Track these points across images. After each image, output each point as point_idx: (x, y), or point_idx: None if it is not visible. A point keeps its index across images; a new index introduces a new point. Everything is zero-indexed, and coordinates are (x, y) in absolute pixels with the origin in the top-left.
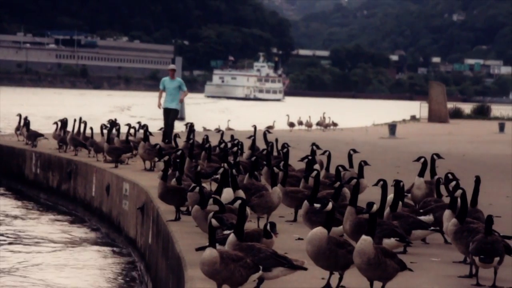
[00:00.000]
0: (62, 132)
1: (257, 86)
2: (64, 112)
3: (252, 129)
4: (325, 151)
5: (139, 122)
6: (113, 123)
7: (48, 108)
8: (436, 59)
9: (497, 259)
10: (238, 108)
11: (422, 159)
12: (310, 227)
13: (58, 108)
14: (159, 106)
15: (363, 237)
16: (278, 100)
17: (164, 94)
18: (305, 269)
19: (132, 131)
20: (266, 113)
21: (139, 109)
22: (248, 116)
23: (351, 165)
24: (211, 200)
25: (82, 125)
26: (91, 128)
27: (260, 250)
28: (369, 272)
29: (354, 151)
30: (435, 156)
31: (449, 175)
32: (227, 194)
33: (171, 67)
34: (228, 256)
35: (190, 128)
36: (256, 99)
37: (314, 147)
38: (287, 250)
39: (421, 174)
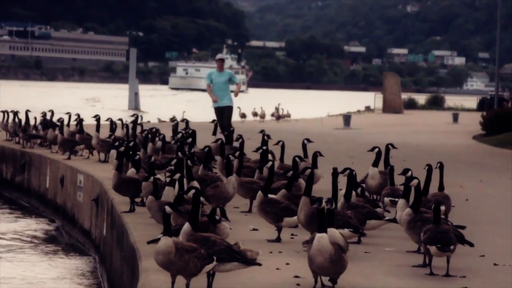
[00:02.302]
0: (13, 123)
1: None
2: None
3: (207, 121)
4: (278, 141)
5: (133, 115)
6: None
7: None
8: (390, 50)
9: (452, 247)
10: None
11: (376, 149)
12: (264, 218)
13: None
14: (215, 100)
15: (319, 235)
16: (242, 91)
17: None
18: (259, 264)
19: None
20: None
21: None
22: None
23: (305, 155)
24: (165, 191)
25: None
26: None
27: (215, 243)
28: (330, 269)
29: (308, 140)
30: (389, 146)
31: (390, 146)
32: (169, 192)
33: (219, 57)
34: (183, 247)
35: (135, 120)
36: None
37: (266, 136)
38: (242, 240)
39: (375, 164)
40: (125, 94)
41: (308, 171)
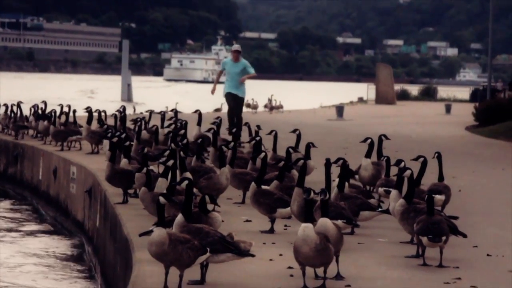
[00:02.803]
0: (4, 115)
1: (215, 69)
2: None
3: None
4: (271, 131)
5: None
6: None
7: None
8: (386, 41)
9: (443, 238)
10: (197, 91)
11: (369, 140)
12: (258, 209)
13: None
14: (212, 91)
15: (304, 224)
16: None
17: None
18: (253, 255)
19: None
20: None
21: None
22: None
23: (297, 145)
24: (158, 183)
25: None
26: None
27: (208, 234)
28: (316, 260)
29: (295, 131)
30: (382, 137)
31: (382, 137)
32: (162, 183)
33: (235, 48)
34: (176, 238)
35: (123, 111)
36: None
37: (256, 127)
38: (235, 231)
39: (368, 155)
40: (119, 86)
41: (301, 162)
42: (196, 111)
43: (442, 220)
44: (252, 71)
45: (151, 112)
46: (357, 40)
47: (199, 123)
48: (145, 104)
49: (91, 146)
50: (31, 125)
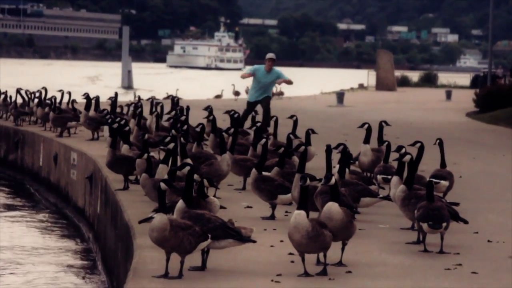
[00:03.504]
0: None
1: (218, 55)
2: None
3: (198, 98)
4: (272, 117)
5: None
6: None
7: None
8: (390, 28)
9: (444, 224)
10: (199, 78)
11: (366, 125)
12: (258, 195)
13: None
14: (244, 76)
15: (296, 211)
16: (239, 69)
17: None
18: (254, 241)
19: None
20: (228, 82)
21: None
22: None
23: (294, 131)
24: (159, 169)
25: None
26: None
27: (209, 220)
28: (310, 246)
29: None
30: (383, 123)
31: (383, 123)
32: (163, 169)
33: (270, 56)
34: (178, 224)
35: (115, 98)
36: (217, 68)
37: (254, 113)
38: (236, 218)
39: (366, 140)
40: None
41: (302, 148)
42: (208, 106)
43: (442, 206)
44: (286, 77)
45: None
46: (361, 27)
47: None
48: (146, 90)
49: (92, 133)
50: (32, 111)
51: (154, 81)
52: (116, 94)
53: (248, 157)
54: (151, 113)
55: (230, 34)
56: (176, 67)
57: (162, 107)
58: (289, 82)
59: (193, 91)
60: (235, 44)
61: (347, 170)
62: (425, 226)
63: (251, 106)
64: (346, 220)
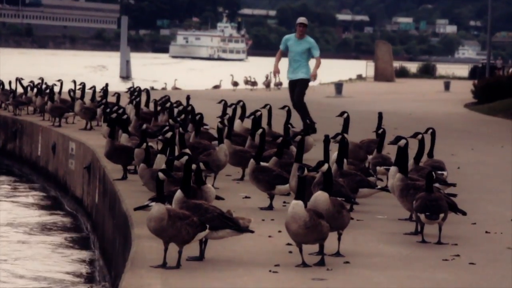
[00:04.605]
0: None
1: (220, 46)
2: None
3: (198, 89)
4: (265, 105)
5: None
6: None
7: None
8: (395, 19)
9: (442, 215)
10: (203, 68)
11: (345, 114)
12: (256, 186)
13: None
14: (275, 73)
15: (294, 201)
16: (241, 60)
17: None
18: (252, 232)
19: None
20: (230, 73)
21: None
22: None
23: (288, 121)
24: (157, 159)
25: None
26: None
27: (207, 210)
28: (307, 237)
29: (284, 107)
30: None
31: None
32: (161, 160)
33: (301, 21)
34: (175, 214)
35: (105, 89)
36: (219, 59)
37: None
38: (234, 208)
39: (344, 130)
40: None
41: (299, 137)
42: (221, 101)
43: (441, 197)
44: (317, 53)
45: (149, 89)
46: (362, 17)
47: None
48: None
49: (86, 122)
50: (30, 100)
51: (155, 71)
52: (107, 84)
53: (246, 149)
54: (130, 102)
55: (233, 24)
56: (178, 57)
57: (133, 91)
58: (318, 65)
59: (193, 81)
60: (238, 34)
61: (345, 160)
62: (422, 216)
63: (290, 86)
64: (333, 210)
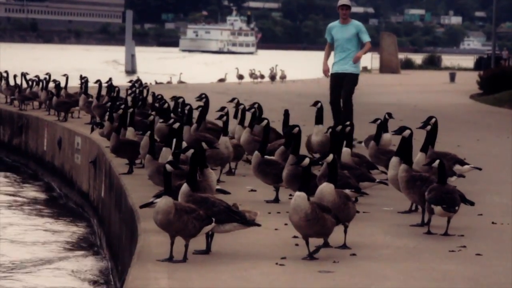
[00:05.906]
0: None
1: (230, 39)
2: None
3: (203, 81)
4: (254, 103)
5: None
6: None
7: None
8: (407, 11)
9: (457, 208)
10: (213, 61)
11: (319, 104)
12: (262, 179)
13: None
14: (325, 72)
15: (297, 193)
16: (251, 53)
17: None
18: (259, 225)
19: None
20: (241, 66)
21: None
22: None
23: (286, 123)
24: (163, 152)
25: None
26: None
27: (214, 204)
28: (309, 229)
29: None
30: (386, 116)
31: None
32: (167, 153)
33: (343, 2)
34: (182, 208)
35: (110, 84)
36: (229, 52)
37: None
38: (240, 201)
39: (318, 121)
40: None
41: (296, 129)
42: (233, 99)
43: (454, 189)
44: (366, 37)
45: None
46: (369, 9)
47: (235, 116)
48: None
49: (91, 117)
50: (36, 95)
51: (166, 65)
52: (110, 79)
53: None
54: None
55: (242, 18)
56: (189, 51)
57: (100, 84)
58: (367, 50)
59: (202, 75)
60: (247, 28)
61: (349, 152)
62: (438, 209)
63: (332, 80)
64: (339, 202)
